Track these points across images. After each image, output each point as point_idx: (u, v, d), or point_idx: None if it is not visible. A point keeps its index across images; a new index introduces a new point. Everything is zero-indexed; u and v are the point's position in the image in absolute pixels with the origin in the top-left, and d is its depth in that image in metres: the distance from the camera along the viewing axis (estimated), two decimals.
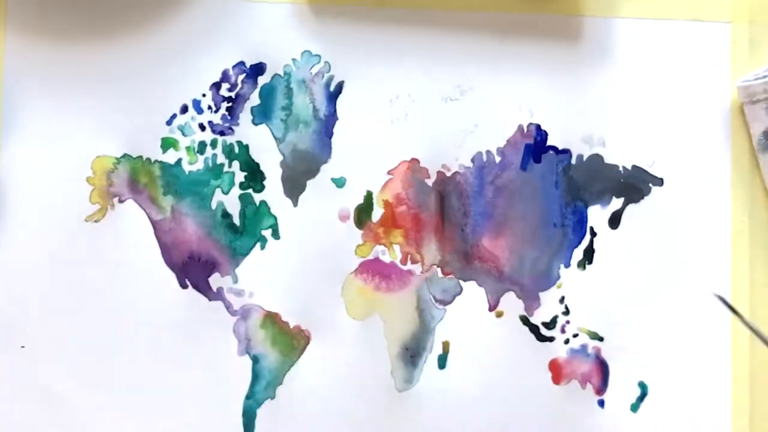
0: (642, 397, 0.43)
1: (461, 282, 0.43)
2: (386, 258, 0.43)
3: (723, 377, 0.43)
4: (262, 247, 0.43)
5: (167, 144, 0.43)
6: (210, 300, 0.43)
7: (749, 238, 0.44)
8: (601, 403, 0.43)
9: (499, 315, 0.43)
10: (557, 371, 0.43)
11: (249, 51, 0.43)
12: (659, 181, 0.44)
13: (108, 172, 0.43)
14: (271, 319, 0.43)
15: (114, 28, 0.43)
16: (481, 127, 0.44)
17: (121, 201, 0.43)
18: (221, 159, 0.43)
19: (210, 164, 0.43)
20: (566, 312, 0.43)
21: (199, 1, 0.43)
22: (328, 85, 0.44)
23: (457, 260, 0.43)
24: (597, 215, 0.44)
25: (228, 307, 0.43)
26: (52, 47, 0.43)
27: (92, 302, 0.42)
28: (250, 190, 0.43)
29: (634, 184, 0.44)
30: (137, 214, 0.43)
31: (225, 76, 0.43)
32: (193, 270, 0.43)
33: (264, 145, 0.43)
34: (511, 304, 0.43)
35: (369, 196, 0.43)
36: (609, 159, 0.44)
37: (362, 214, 0.43)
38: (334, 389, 0.43)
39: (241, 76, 0.43)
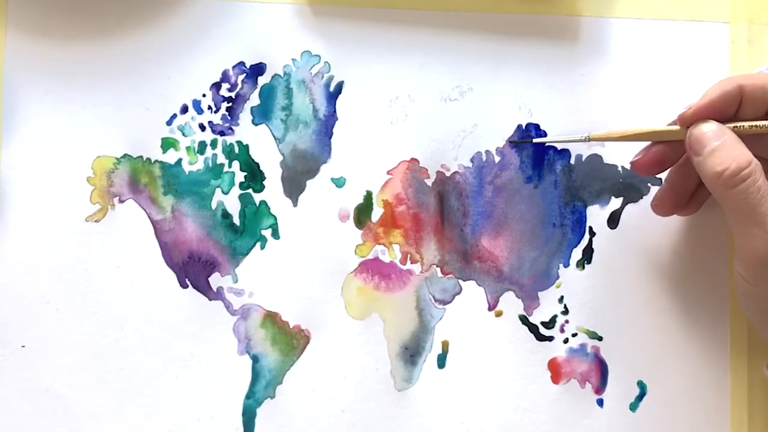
0: (641, 396, 0.43)
1: (460, 281, 0.44)
2: (386, 258, 0.43)
3: (722, 376, 0.43)
4: (262, 247, 0.43)
5: (167, 144, 0.43)
6: (210, 300, 0.43)
7: None
8: (600, 403, 0.43)
9: (499, 314, 0.44)
10: (556, 370, 0.43)
11: (249, 51, 0.43)
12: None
13: (108, 172, 0.43)
14: (271, 318, 0.43)
15: (114, 28, 0.43)
16: (481, 127, 0.44)
17: (121, 201, 0.43)
18: (221, 159, 0.43)
19: (210, 164, 0.43)
20: (565, 311, 0.44)
21: (199, 1, 0.43)
22: (327, 85, 0.44)
23: (456, 260, 0.44)
24: (596, 215, 0.44)
25: (228, 306, 0.43)
26: (52, 47, 0.43)
27: (92, 302, 0.42)
28: (250, 190, 0.43)
29: (633, 184, 0.44)
30: (137, 214, 0.43)
31: (225, 76, 0.43)
32: (193, 270, 0.43)
33: (264, 145, 0.43)
34: (511, 303, 0.44)
35: (369, 196, 0.44)
36: (608, 159, 0.44)
37: (362, 214, 0.43)
38: (334, 389, 0.43)
39: (241, 76, 0.43)
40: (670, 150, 0.40)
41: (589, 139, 0.41)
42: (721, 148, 0.36)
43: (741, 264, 0.36)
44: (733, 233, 0.37)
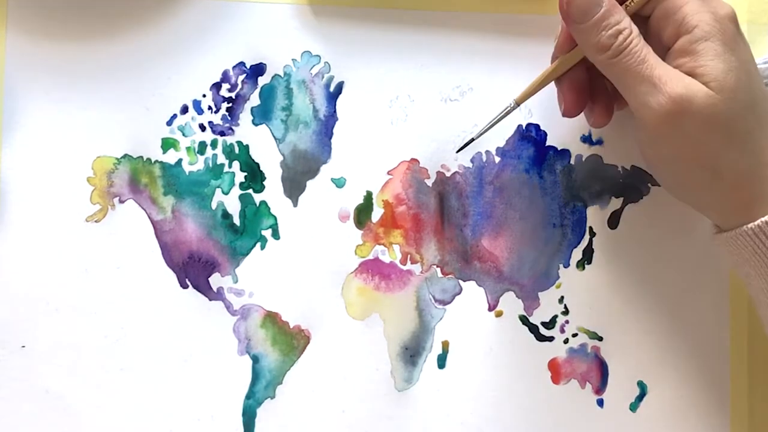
0: (641, 396, 0.43)
1: (461, 282, 0.44)
2: (386, 258, 0.43)
3: (722, 377, 0.43)
4: (262, 247, 0.43)
5: (167, 144, 0.43)
6: (210, 300, 0.43)
7: None
8: (600, 403, 0.43)
9: (499, 315, 0.44)
10: (556, 371, 0.43)
11: (249, 51, 0.43)
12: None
13: (108, 173, 0.43)
14: (271, 318, 0.43)
15: (114, 29, 0.43)
16: (481, 127, 0.44)
17: (121, 201, 0.43)
18: (221, 159, 0.43)
19: (210, 164, 0.43)
20: (565, 312, 0.44)
21: (199, 1, 0.43)
22: (328, 85, 0.44)
23: (456, 260, 0.44)
24: (596, 215, 0.44)
25: (228, 307, 0.43)
26: (52, 47, 0.43)
27: (92, 302, 0.42)
28: (250, 191, 0.43)
29: (633, 184, 0.44)
30: (138, 214, 0.43)
31: (225, 77, 0.43)
32: (194, 270, 0.43)
33: (264, 146, 0.43)
34: (511, 303, 0.44)
35: (369, 196, 0.44)
36: (608, 159, 0.44)
37: (362, 214, 0.43)
38: (334, 389, 0.43)
39: (241, 77, 0.43)
40: (574, 76, 0.40)
41: (517, 104, 0.40)
42: (603, 14, 0.36)
43: (640, 128, 0.36)
44: (628, 100, 0.36)
